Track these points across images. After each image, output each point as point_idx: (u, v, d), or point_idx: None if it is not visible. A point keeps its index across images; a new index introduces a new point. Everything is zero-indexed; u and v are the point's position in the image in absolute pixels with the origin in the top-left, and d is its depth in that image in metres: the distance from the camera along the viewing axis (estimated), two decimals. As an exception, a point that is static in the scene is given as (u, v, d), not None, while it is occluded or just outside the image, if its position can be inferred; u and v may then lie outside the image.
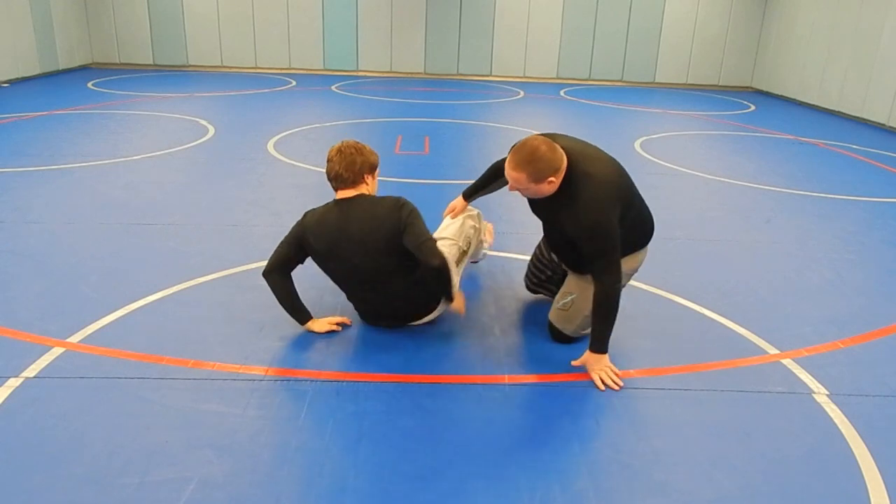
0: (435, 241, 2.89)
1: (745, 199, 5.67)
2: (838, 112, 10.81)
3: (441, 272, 2.83)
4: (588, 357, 2.79)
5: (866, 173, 6.87)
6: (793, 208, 5.45)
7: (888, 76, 9.61)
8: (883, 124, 9.71)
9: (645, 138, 8.09)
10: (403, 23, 13.43)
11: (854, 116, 10.40)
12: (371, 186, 3.04)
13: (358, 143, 3.03)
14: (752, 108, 11.45)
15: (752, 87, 13.84)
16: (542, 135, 2.71)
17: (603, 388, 2.71)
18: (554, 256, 3.27)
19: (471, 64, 13.77)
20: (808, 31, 11.80)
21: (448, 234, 3.33)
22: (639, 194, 2.89)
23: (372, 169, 3.00)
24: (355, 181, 2.95)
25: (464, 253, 3.34)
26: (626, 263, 2.89)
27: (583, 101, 11.31)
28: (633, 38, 13.67)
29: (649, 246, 3.08)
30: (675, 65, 13.85)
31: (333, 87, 11.58)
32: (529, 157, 2.58)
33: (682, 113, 10.45)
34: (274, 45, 13.44)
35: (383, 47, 13.57)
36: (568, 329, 3.05)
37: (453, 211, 3.43)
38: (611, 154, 2.85)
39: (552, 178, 2.61)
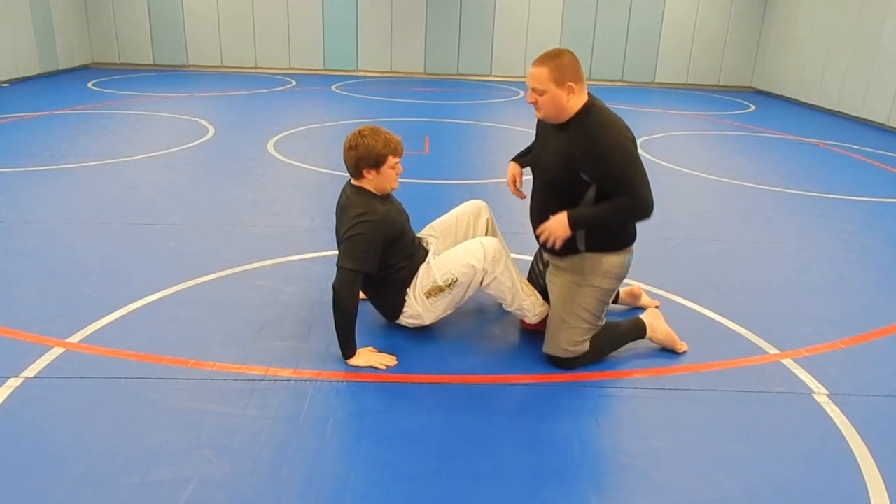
0: (346, 272, 2.70)
1: (745, 199, 5.67)
2: (838, 112, 10.81)
3: (334, 306, 2.72)
4: (558, 217, 2.65)
5: (866, 173, 6.87)
6: (793, 208, 5.45)
7: (888, 76, 9.61)
8: (883, 124, 9.71)
9: (645, 138, 8.09)
10: (403, 23, 13.43)
11: (854, 116, 10.40)
12: (376, 181, 2.86)
13: (368, 130, 2.86)
14: (752, 108, 11.45)
15: (752, 87, 13.84)
16: None
17: (547, 243, 2.68)
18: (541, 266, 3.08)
19: (471, 64, 13.77)
20: (808, 31, 11.80)
21: (442, 260, 2.96)
22: None
23: (373, 164, 2.82)
24: (356, 175, 2.89)
25: (439, 289, 2.91)
26: (612, 264, 2.77)
27: (583, 101, 11.29)
28: (633, 38, 13.67)
29: (640, 252, 2.98)
30: (675, 65, 13.85)
31: (333, 87, 11.59)
32: (556, 53, 2.59)
33: (682, 113, 10.45)
34: (274, 45, 13.44)
35: (383, 47, 13.57)
36: (558, 347, 2.80)
37: (514, 180, 3.12)
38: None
39: (572, 84, 2.57)
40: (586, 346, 2.83)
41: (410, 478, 2.18)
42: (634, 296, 3.43)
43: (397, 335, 3.08)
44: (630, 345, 3.04)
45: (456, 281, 2.89)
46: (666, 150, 7.50)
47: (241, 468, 2.18)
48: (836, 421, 2.57)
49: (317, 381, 2.70)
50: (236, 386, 2.64)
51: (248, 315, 3.21)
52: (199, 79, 12.10)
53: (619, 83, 13.92)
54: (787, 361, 3.00)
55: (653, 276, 3.85)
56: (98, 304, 3.25)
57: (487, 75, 13.83)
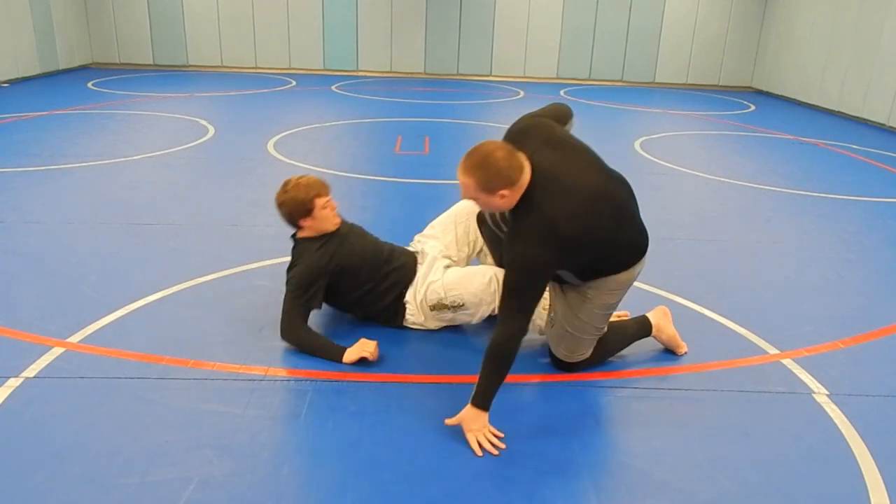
0: (285, 316, 2.87)
1: (745, 199, 5.67)
2: (838, 112, 10.81)
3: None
4: (465, 412, 2.35)
5: (866, 173, 6.87)
6: (793, 208, 5.45)
7: (888, 76, 9.60)
8: (883, 124, 9.71)
9: (645, 138, 8.09)
10: (403, 23, 13.43)
11: (854, 116, 10.40)
12: (314, 226, 2.98)
13: (291, 184, 3.01)
14: (752, 108, 11.45)
15: (752, 87, 13.84)
16: (529, 121, 2.48)
17: (480, 453, 2.29)
18: None
19: (471, 64, 13.77)
20: (808, 31, 11.80)
21: (453, 278, 2.97)
22: (614, 222, 2.43)
23: (305, 213, 2.95)
24: (295, 227, 3.06)
25: (444, 306, 2.97)
26: (618, 282, 2.59)
27: (583, 101, 11.31)
28: (633, 38, 13.67)
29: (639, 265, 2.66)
30: (675, 65, 13.85)
31: (333, 87, 11.59)
32: (481, 161, 2.24)
33: (682, 113, 10.45)
34: (274, 45, 13.44)
35: (383, 47, 13.56)
36: (559, 352, 2.76)
37: None
38: (614, 151, 2.81)
39: (504, 192, 2.25)
40: (588, 353, 2.77)
41: (410, 478, 2.18)
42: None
43: (398, 335, 3.08)
44: (631, 346, 3.04)
45: (462, 305, 2.96)
46: (666, 150, 7.50)
47: (241, 468, 2.18)
48: (836, 421, 2.57)
49: (317, 381, 2.70)
50: (236, 386, 2.64)
51: (248, 315, 3.21)
52: (199, 79, 12.09)
53: (619, 83, 13.92)
54: (787, 361, 3.00)
55: (653, 276, 3.84)
56: (98, 304, 3.25)
57: (487, 75, 13.83)
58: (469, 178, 2.27)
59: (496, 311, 2.80)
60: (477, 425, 2.34)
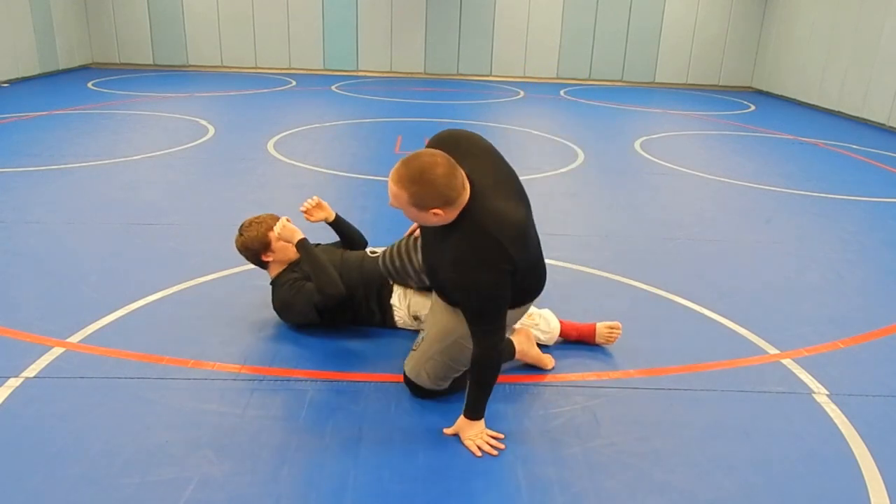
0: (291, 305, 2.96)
1: (745, 199, 5.67)
2: (838, 112, 10.81)
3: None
4: (460, 423, 2.36)
5: (866, 173, 6.87)
6: (793, 208, 5.45)
7: (888, 76, 9.60)
8: (883, 124, 9.71)
9: (645, 138, 8.09)
10: (403, 23, 13.43)
11: (854, 116, 10.40)
12: (278, 257, 3.04)
13: (245, 225, 3.07)
14: (752, 108, 11.45)
15: (752, 87, 13.84)
16: (457, 137, 2.26)
17: (480, 454, 2.30)
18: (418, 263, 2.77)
19: (471, 64, 13.77)
20: (808, 31, 11.79)
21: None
22: (536, 250, 2.35)
23: (266, 248, 3.02)
24: (263, 265, 3.11)
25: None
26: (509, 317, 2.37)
27: (583, 101, 11.30)
28: (633, 38, 13.67)
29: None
30: (675, 65, 13.85)
31: (333, 87, 11.58)
32: (418, 175, 2.03)
33: (682, 113, 10.45)
34: (274, 45, 13.43)
35: (383, 47, 13.56)
36: (421, 376, 2.54)
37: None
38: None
39: (438, 211, 2.07)
40: (447, 384, 2.58)
41: (410, 478, 2.18)
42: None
43: (398, 335, 3.08)
44: (630, 345, 3.04)
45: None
46: (666, 150, 7.50)
47: (241, 468, 2.18)
48: (836, 421, 2.57)
49: (317, 381, 2.70)
50: (236, 386, 2.64)
51: (248, 315, 3.21)
52: (199, 79, 12.09)
53: (619, 83, 13.92)
54: (786, 361, 3.00)
55: (653, 276, 3.85)
56: (98, 304, 3.25)
57: (487, 75, 13.83)
58: (402, 190, 2.05)
59: None
60: (473, 432, 2.35)
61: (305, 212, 3.10)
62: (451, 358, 2.50)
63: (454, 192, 2.06)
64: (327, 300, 2.87)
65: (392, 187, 2.08)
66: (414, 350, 2.60)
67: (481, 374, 2.29)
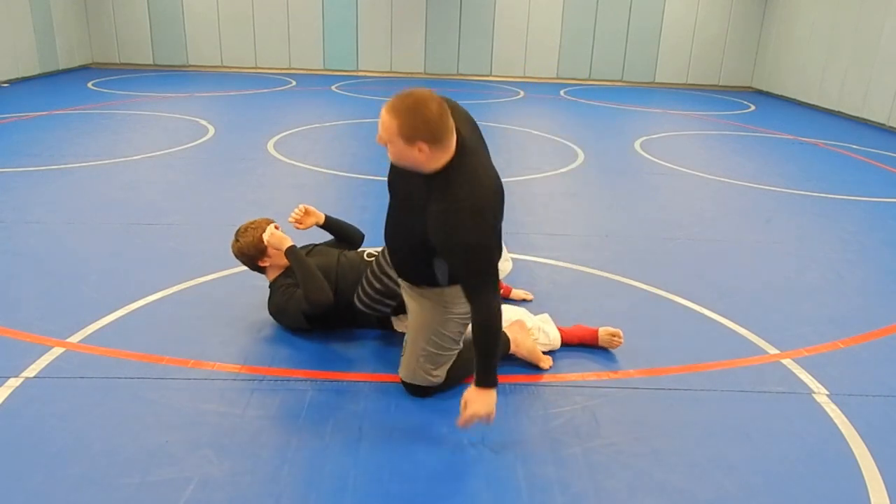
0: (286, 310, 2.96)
1: (745, 199, 5.67)
2: (838, 112, 10.81)
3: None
4: (471, 393, 2.25)
5: (866, 173, 6.87)
6: (793, 208, 5.45)
7: (888, 76, 9.60)
8: (883, 124, 9.71)
9: (645, 138, 8.09)
10: (403, 23, 13.43)
11: (854, 116, 10.40)
12: (274, 261, 3.04)
13: (240, 232, 3.06)
14: (752, 108, 11.45)
15: (752, 87, 13.83)
16: (447, 101, 2.21)
17: (483, 420, 2.26)
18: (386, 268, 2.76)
19: (471, 64, 13.77)
20: (808, 31, 11.79)
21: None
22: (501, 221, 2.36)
23: (261, 253, 3.02)
24: (261, 270, 3.11)
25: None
26: (457, 301, 2.44)
27: (583, 101, 11.30)
28: (633, 38, 13.66)
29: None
30: (675, 65, 13.84)
31: (333, 87, 11.58)
32: (412, 106, 2.07)
33: (682, 113, 10.45)
34: (274, 45, 13.43)
35: (383, 47, 13.56)
36: (417, 375, 2.57)
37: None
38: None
39: (423, 146, 2.09)
40: (443, 376, 2.59)
41: (410, 478, 2.18)
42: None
43: (398, 335, 3.07)
44: (630, 345, 3.03)
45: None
46: (666, 150, 7.50)
47: (241, 468, 2.18)
48: (836, 421, 2.57)
49: (317, 381, 2.70)
50: (236, 386, 2.64)
51: (248, 315, 3.21)
52: (199, 79, 12.09)
53: (619, 83, 13.92)
54: (786, 361, 3.00)
55: (653, 276, 3.85)
56: (98, 304, 3.25)
57: (487, 75, 13.82)
58: (393, 118, 2.07)
59: None
60: (487, 406, 2.24)
61: (295, 222, 3.08)
62: (436, 347, 2.54)
63: (443, 130, 2.10)
64: (315, 308, 2.84)
65: (384, 116, 2.10)
66: (403, 355, 2.62)
67: (483, 341, 2.23)
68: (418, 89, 2.12)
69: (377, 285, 2.79)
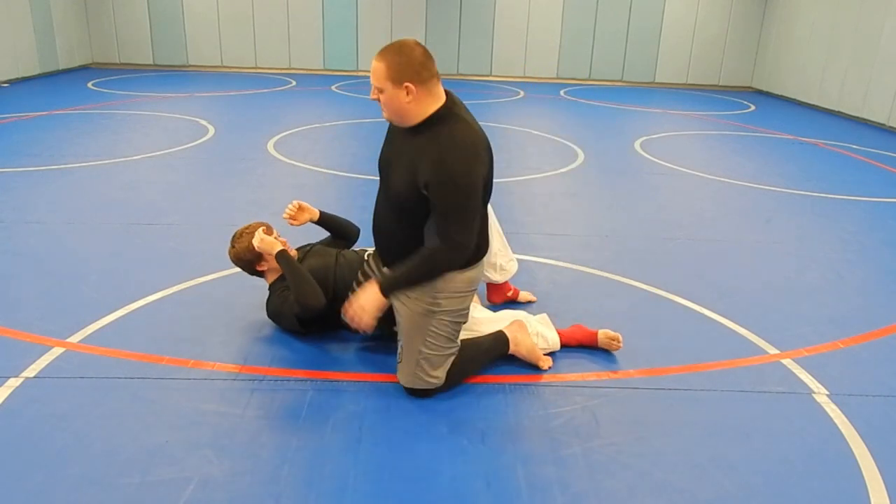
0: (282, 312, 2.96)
1: (745, 199, 5.67)
2: (838, 112, 10.81)
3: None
4: (368, 289, 2.42)
5: (866, 173, 6.87)
6: (793, 208, 5.45)
7: (888, 76, 9.60)
8: (883, 124, 9.71)
9: (645, 138, 8.09)
10: (403, 23, 13.42)
11: (854, 116, 10.40)
12: (271, 266, 3.03)
13: (236, 237, 3.06)
14: (752, 108, 11.45)
15: (752, 87, 13.84)
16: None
17: (352, 324, 2.46)
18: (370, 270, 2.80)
19: (471, 64, 13.77)
20: (808, 31, 11.79)
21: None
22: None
23: (255, 262, 3.02)
24: (260, 274, 3.11)
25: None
26: (463, 281, 2.48)
27: (583, 101, 11.31)
28: (633, 38, 13.67)
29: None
30: (675, 65, 13.85)
31: (333, 87, 11.58)
32: (397, 48, 2.26)
33: (682, 113, 10.45)
34: (274, 45, 13.43)
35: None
36: (416, 379, 2.56)
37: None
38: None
39: (410, 86, 2.25)
40: (443, 377, 2.58)
41: (410, 478, 2.18)
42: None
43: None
44: (630, 345, 3.03)
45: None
46: (666, 150, 7.50)
47: (241, 468, 2.18)
48: (836, 421, 2.57)
49: (317, 381, 2.70)
50: (236, 386, 2.64)
51: (248, 315, 3.21)
52: (199, 79, 12.09)
53: (619, 83, 13.92)
54: (786, 361, 3.00)
55: (653, 276, 3.85)
56: (98, 304, 3.25)
57: (487, 75, 13.83)
58: (380, 62, 2.27)
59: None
60: (367, 301, 2.41)
61: (289, 218, 3.09)
62: (432, 348, 2.53)
63: (428, 72, 2.28)
64: (306, 312, 2.82)
65: (373, 63, 2.29)
66: (400, 362, 2.60)
67: (426, 260, 2.34)
68: (404, 38, 2.32)
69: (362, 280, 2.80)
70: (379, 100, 2.34)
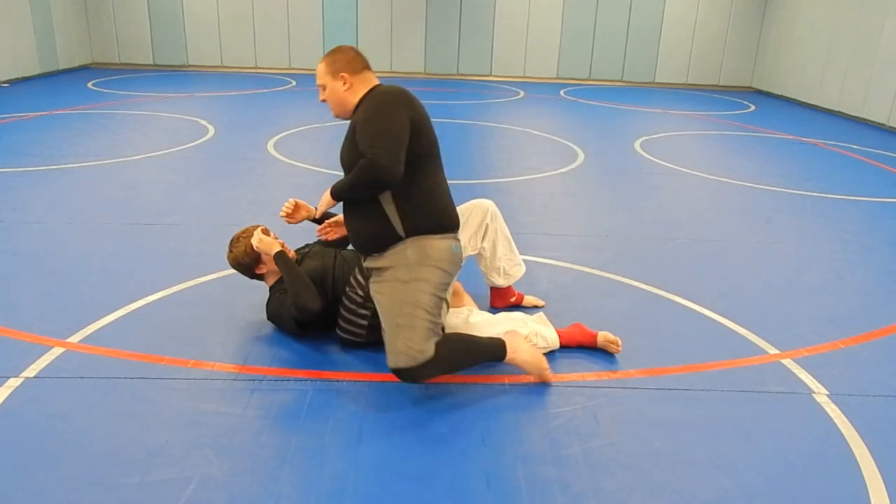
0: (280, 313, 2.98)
1: (745, 199, 5.67)
2: (838, 112, 10.81)
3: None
4: (323, 196, 2.76)
5: (866, 173, 6.87)
6: (793, 208, 5.45)
7: (888, 76, 9.60)
8: (883, 124, 9.71)
9: (645, 138, 8.09)
10: (403, 23, 13.43)
11: (854, 116, 10.40)
12: (270, 269, 3.05)
13: (233, 242, 3.08)
14: (752, 108, 11.45)
15: (752, 87, 13.84)
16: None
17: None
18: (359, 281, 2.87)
19: (471, 64, 13.77)
20: (808, 31, 11.80)
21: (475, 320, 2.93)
22: (436, 144, 2.69)
23: (256, 261, 3.05)
24: (260, 277, 3.13)
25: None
26: (438, 250, 2.58)
27: (583, 101, 11.31)
28: (633, 38, 13.67)
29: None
30: (675, 65, 13.85)
31: (333, 87, 11.57)
32: (332, 50, 2.70)
33: (682, 113, 10.45)
34: (274, 45, 13.44)
35: (383, 47, 13.56)
36: (392, 361, 2.49)
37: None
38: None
39: (345, 75, 2.63)
40: (431, 350, 2.47)
41: (410, 478, 2.18)
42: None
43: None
44: (630, 345, 3.03)
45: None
46: (666, 150, 7.50)
47: (241, 468, 2.18)
48: (836, 421, 2.57)
49: (317, 381, 2.70)
50: (236, 386, 2.64)
51: (248, 315, 3.21)
52: (199, 79, 12.09)
53: (619, 83, 13.92)
54: (786, 361, 3.00)
55: (653, 276, 3.85)
56: (98, 304, 3.25)
57: (487, 75, 13.83)
58: (321, 63, 2.68)
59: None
60: (325, 205, 2.82)
61: (286, 216, 3.09)
62: (411, 318, 2.49)
63: (360, 64, 2.67)
64: (303, 314, 2.82)
65: (317, 68, 2.69)
66: (386, 349, 2.54)
67: (358, 170, 2.53)
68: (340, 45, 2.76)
69: (348, 304, 2.88)
70: (325, 101, 2.71)
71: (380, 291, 2.62)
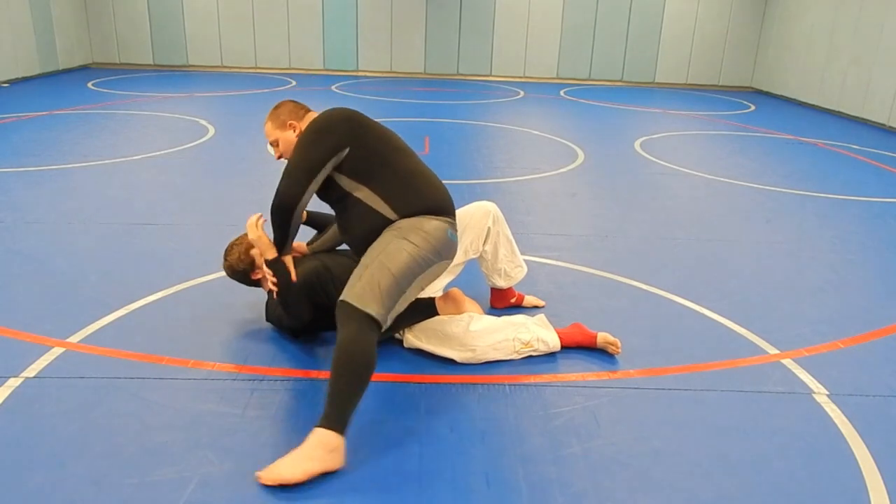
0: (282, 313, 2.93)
1: (745, 199, 5.67)
2: (838, 112, 10.81)
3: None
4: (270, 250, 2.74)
5: (866, 173, 6.87)
6: (793, 208, 5.45)
7: (888, 76, 9.61)
8: (883, 124, 9.71)
9: (645, 138, 8.09)
10: (403, 23, 13.43)
11: (854, 116, 10.40)
12: (264, 279, 2.96)
13: (228, 250, 3.03)
14: (752, 108, 11.45)
15: (752, 87, 13.84)
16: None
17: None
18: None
19: (471, 64, 13.77)
20: (808, 31, 11.80)
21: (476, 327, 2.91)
22: (387, 138, 2.76)
23: (249, 272, 3.02)
24: (258, 283, 3.09)
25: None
26: (433, 227, 2.56)
27: (583, 101, 11.31)
28: (633, 38, 13.67)
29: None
30: (675, 65, 13.85)
31: (333, 87, 11.59)
32: (274, 108, 2.80)
33: (682, 113, 10.45)
34: (274, 45, 13.44)
35: (383, 47, 13.57)
36: (352, 291, 2.40)
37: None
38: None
39: (293, 122, 2.75)
40: (381, 317, 2.36)
41: (410, 478, 2.18)
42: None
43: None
44: (630, 345, 3.03)
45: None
46: (666, 150, 7.50)
47: (241, 468, 2.18)
48: (836, 421, 2.57)
49: (316, 381, 2.70)
50: (236, 386, 2.64)
51: (248, 315, 3.21)
52: (199, 79, 12.09)
53: (619, 83, 13.92)
54: (786, 361, 3.00)
55: (654, 276, 3.85)
56: (98, 304, 3.25)
57: (487, 75, 13.83)
58: (266, 124, 2.78)
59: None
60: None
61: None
62: (383, 273, 2.40)
63: (301, 110, 2.82)
64: (295, 322, 2.84)
65: (266, 130, 2.79)
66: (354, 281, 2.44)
67: (281, 215, 2.61)
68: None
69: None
70: (281, 157, 2.77)
71: (371, 246, 2.55)
